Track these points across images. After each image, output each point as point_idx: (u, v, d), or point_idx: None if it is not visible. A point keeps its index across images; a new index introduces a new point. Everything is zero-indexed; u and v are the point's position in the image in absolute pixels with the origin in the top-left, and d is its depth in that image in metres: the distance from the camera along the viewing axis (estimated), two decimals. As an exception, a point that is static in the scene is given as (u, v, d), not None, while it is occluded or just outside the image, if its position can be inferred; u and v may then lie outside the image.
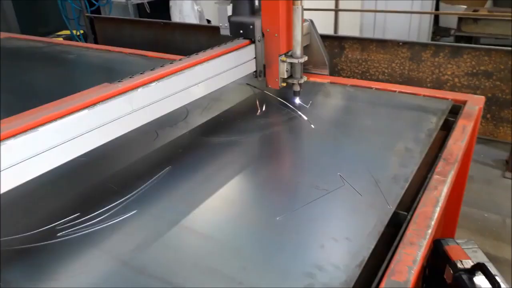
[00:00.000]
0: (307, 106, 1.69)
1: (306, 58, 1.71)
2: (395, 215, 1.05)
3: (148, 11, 5.27)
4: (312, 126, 1.52)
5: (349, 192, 1.13)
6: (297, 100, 1.73)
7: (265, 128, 1.56)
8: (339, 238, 0.97)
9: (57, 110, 1.05)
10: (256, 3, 1.73)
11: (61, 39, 4.31)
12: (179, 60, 1.49)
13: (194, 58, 1.51)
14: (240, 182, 1.25)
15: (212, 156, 1.41)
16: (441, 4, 4.93)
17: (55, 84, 2.30)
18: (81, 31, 4.47)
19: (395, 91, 1.78)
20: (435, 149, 1.37)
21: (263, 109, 1.70)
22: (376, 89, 1.82)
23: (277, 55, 1.69)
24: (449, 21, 5.24)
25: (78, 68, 2.64)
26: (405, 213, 1.06)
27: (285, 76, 1.72)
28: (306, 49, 1.77)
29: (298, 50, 1.67)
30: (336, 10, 4.36)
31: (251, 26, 1.70)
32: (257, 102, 1.75)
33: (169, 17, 5.55)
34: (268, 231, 1.01)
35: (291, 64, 1.71)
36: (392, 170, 1.23)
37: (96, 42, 3.68)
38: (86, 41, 4.27)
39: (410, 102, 1.69)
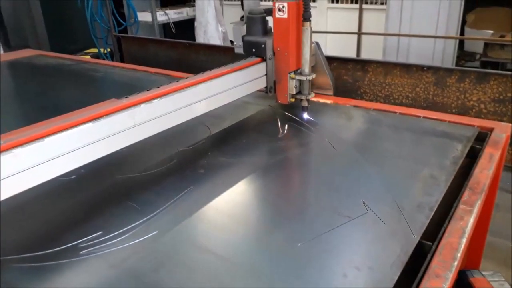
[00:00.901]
0: (317, 125, 1.70)
1: (314, 75, 1.82)
2: (419, 245, 1.02)
3: (174, 31, 5.40)
4: (335, 149, 1.51)
5: (372, 219, 1.11)
6: (305, 115, 1.82)
7: (287, 150, 1.56)
8: (362, 267, 0.95)
9: (63, 123, 1.13)
10: (270, 23, 1.84)
11: (89, 57, 4.44)
12: (186, 78, 1.56)
13: (200, 76, 1.59)
14: (261, 204, 1.24)
15: (233, 177, 1.41)
16: (467, 29, 4.89)
17: (83, 101, 2.35)
18: (108, 49, 4.61)
19: (419, 116, 1.76)
20: (460, 177, 1.34)
21: (285, 130, 1.70)
22: (400, 113, 1.81)
23: (287, 72, 1.80)
24: (475, 46, 5.18)
25: (104, 85, 2.71)
26: (430, 243, 1.03)
27: (294, 92, 1.82)
28: (312, 70, 1.85)
29: (306, 68, 1.78)
30: (359, 34, 4.37)
31: (263, 45, 1.81)
32: (279, 124, 1.76)
33: (193, 37, 5.67)
34: (289, 257, 1.00)
35: (300, 81, 1.81)
36: (416, 198, 1.20)
37: (122, 61, 3.78)
38: (112, 59, 4.39)
39: (434, 128, 1.67)
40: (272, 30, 1.80)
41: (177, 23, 5.64)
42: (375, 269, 0.94)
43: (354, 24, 4.67)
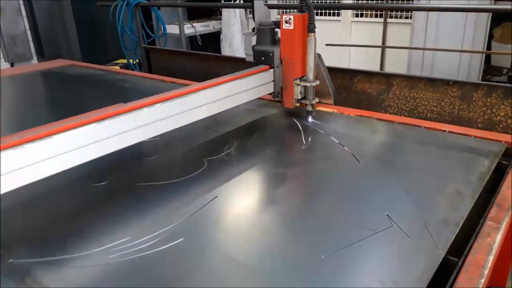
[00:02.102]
0: (341, 138, 1.70)
1: (318, 82, 1.95)
2: (445, 261, 1.02)
3: (200, 43, 5.50)
4: (359, 161, 1.52)
5: (397, 233, 1.11)
6: (310, 119, 1.97)
7: (311, 161, 1.57)
8: (386, 281, 0.95)
9: (71, 123, 1.25)
10: (279, 34, 1.98)
11: (118, 67, 4.58)
12: (189, 85, 1.70)
13: (215, 80, 1.75)
14: (285, 215, 1.26)
15: (258, 188, 1.44)
16: (494, 43, 4.81)
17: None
18: (137, 60, 4.74)
19: (445, 131, 1.75)
20: (487, 193, 1.32)
21: (309, 142, 1.72)
22: (425, 127, 1.80)
23: (293, 79, 1.95)
24: (502, 60, 5.08)
25: (133, 95, 2.78)
26: (456, 259, 1.02)
27: (299, 97, 1.98)
28: (314, 78, 2.02)
29: (311, 75, 1.92)
30: (384, 47, 4.36)
31: (271, 54, 1.97)
32: (303, 135, 1.77)
33: (219, 50, 5.76)
34: (313, 268, 1.01)
35: (305, 87, 1.96)
36: (441, 213, 1.20)
37: (150, 71, 3.87)
38: (140, 70, 4.51)
39: (460, 143, 1.65)
40: (280, 41, 1.94)
41: (203, 36, 5.75)
42: (399, 284, 0.94)
43: (378, 37, 4.66)
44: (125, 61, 4.95)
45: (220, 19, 5.93)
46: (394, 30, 4.66)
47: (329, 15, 5.24)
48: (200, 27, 5.79)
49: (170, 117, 1.53)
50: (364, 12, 4.93)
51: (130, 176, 1.47)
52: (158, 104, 1.49)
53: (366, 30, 4.95)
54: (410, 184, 1.37)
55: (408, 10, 4.25)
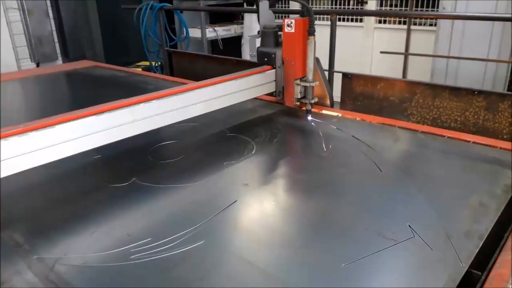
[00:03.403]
0: (363, 146, 1.70)
1: (317, 83, 2.06)
2: (468, 274, 0.99)
3: (221, 47, 5.54)
4: (381, 170, 1.50)
5: (418, 244, 1.09)
6: (309, 117, 2.07)
7: (331, 168, 1.56)
8: (407, 292, 0.94)
9: (72, 115, 1.38)
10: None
11: (140, 69, 4.64)
12: (187, 84, 1.85)
13: (221, 78, 1.90)
14: (305, 222, 1.25)
15: (277, 192, 1.43)
16: (521, 52, 4.69)
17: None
18: (159, 63, 4.79)
19: (469, 141, 1.72)
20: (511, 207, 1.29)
21: (330, 149, 1.71)
22: (448, 137, 1.77)
23: (293, 79, 2.07)
24: (529, 70, 4.96)
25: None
26: (479, 273, 1.00)
27: (299, 97, 2.10)
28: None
29: (310, 76, 2.04)
30: (406, 54, 4.31)
31: (273, 55, 2.09)
32: (323, 142, 1.77)
33: (240, 54, 5.79)
34: (332, 277, 1.00)
35: (305, 87, 2.08)
36: (464, 225, 1.17)
37: (172, 74, 3.92)
38: (162, 72, 4.56)
39: (485, 154, 1.62)
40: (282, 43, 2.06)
41: (224, 40, 5.78)
42: (420, 295, 0.93)
43: (401, 44, 4.61)
44: (147, 63, 5.02)
45: (242, 23, 5.96)
46: (418, 38, 4.60)
47: (352, 21, 5.21)
48: (221, 31, 5.83)
49: (168, 112, 1.65)
50: (387, 18, 4.89)
51: (152, 178, 1.48)
52: (154, 101, 1.61)
53: (389, 36, 4.90)
54: (433, 195, 1.35)
55: (433, 18, 4.19)
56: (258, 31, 2.15)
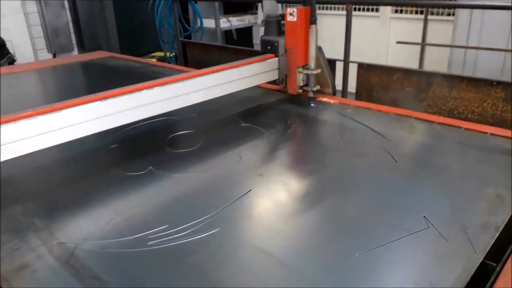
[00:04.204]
0: (379, 137, 1.70)
1: (319, 70, 2.11)
2: (482, 265, 0.99)
3: (235, 38, 5.53)
4: (396, 161, 1.50)
5: (433, 235, 1.09)
6: (312, 104, 2.12)
7: (347, 160, 1.56)
8: (421, 282, 0.94)
9: (78, 100, 1.47)
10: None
11: (155, 60, 4.67)
12: (191, 71, 1.93)
13: (225, 65, 1.96)
14: (320, 212, 1.25)
15: (292, 183, 1.44)
16: (541, 42, 4.58)
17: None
18: (174, 53, 4.82)
19: (486, 133, 1.69)
20: (530, 199, 1.27)
21: (345, 141, 1.70)
22: (465, 129, 1.75)
23: (296, 67, 2.11)
24: (550, 60, 4.83)
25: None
26: (494, 264, 1.00)
27: (301, 84, 2.16)
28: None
29: (312, 64, 2.11)
30: (423, 44, 4.24)
31: (276, 44, 2.15)
32: (339, 134, 1.76)
33: (253, 44, 5.78)
34: (346, 266, 1.01)
35: (307, 75, 2.14)
36: (480, 217, 1.16)
37: (186, 65, 3.93)
38: (176, 63, 4.59)
39: (503, 146, 1.60)
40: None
41: (238, 30, 5.77)
42: (435, 285, 0.93)
43: (418, 35, 4.53)
44: (161, 53, 5.05)
45: (256, 13, 5.94)
46: (435, 28, 4.52)
47: (367, 10, 5.14)
48: (235, 22, 5.81)
49: (171, 98, 1.72)
50: (404, 8, 4.81)
51: (168, 167, 1.51)
52: (157, 87, 1.67)
53: (406, 26, 4.83)
54: (448, 186, 1.34)
55: (451, 7, 4.11)
56: (262, 20, 2.19)
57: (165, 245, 1.08)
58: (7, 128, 1.30)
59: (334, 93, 2.22)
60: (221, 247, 1.08)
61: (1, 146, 1.29)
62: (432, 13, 4.52)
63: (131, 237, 1.11)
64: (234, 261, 1.04)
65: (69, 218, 1.23)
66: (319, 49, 2.13)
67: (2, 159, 1.30)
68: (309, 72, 2.10)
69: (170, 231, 1.13)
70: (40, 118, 1.37)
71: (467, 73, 3.93)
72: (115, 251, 1.07)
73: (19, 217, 1.23)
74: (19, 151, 1.34)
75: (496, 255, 1.04)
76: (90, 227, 1.18)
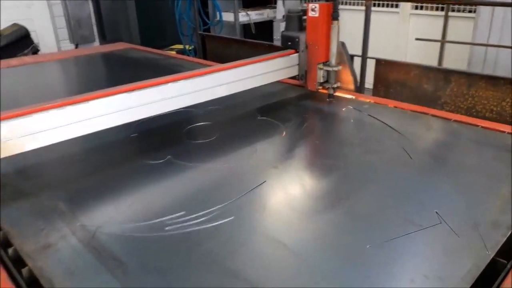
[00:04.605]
0: (395, 133, 1.70)
1: (340, 67, 2.09)
2: (493, 262, 1.00)
3: (254, 31, 5.54)
4: (411, 158, 1.51)
5: (445, 231, 1.10)
6: (329, 99, 2.11)
7: (362, 155, 1.58)
8: (431, 276, 0.96)
9: (105, 91, 1.51)
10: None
11: (174, 52, 4.72)
12: (214, 65, 1.95)
13: (246, 60, 1.97)
14: (332, 205, 1.27)
15: (306, 176, 1.47)
16: None
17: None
18: (192, 46, 4.87)
19: (504, 132, 1.69)
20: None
21: (362, 135, 1.72)
22: (482, 127, 1.74)
23: (316, 63, 2.09)
24: None
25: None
26: (505, 261, 1.01)
27: (321, 81, 2.13)
28: (337, 65, 2.12)
29: (333, 61, 2.08)
30: (443, 42, 4.19)
31: (297, 39, 2.12)
32: (356, 129, 1.78)
33: (272, 38, 5.78)
34: (357, 257, 1.03)
35: (327, 71, 2.11)
36: (493, 215, 1.17)
37: (205, 58, 3.97)
38: (195, 56, 4.63)
39: (520, 145, 1.59)
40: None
41: (257, 24, 5.78)
42: (444, 280, 0.94)
43: (438, 32, 4.47)
44: (180, 46, 5.10)
45: (275, 7, 5.93)
46: (455, 25, 4.45)
47: (387, 6, 5.09)
48: (254, 15, 5.81)
49: (194, 92, 1.75)
50: (424, 4, 4.74)
51: (186, 157, 1.55)
52: (181, 81, 1.70)
53: (426, 23, 4.77)
54: (463, 184, 1.35)
55: (472, 5, 4.04)
56: (283, 15, 2.18)
57: (181, 231, 1.12)
58: (38, 117, 1.35)
59: (356, 89, 2.20)
60: (234, 235, 1.12)
61: (32, 135, 1.34)
62: (453, 10, 4.45)
63: (149, 222, 1.16)
64: (247, 249, 1.07)
65: (91, 203, 1.28)
66: (342, 45, 2.12)
67: (33, 148, 1.35)
68: (329, 68, 2.08)
69: (187, 217, 1.17)
70: (69, 108, 1.41)
71: (487, 71, 3.87)
72: (134, 234, 1.12)
73: (45, 201, 1.28)
74: (48, 140, 1.38)
75: (508, 253, 1.05)
76: (111, 211, 1.23)
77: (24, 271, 1.00)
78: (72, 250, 1.06)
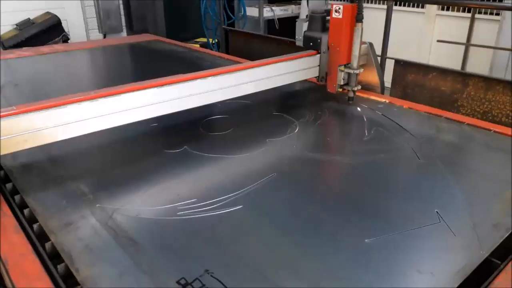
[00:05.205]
0: (405, 134, 1.74)
1: (362, 70, 2.05)
2: (487, 262, 1.04)
3: (277, 27, 5.57)
4: (419, 158, 1.54)
5: (443, 230, 1.14)
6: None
7: (370, 153, 1.61)
8: (424, 271, 1.00)
9: (136, 85, 1.55)
10: None
11: (198, 45, 4.81)
12: (239, 64, 1.99)
13: (267, 60, 1.96)
14: (337, 201, 1.33)
15: (315, 172, 1.52)
16: None
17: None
18: (216, 40, 4.94)
19: (516, 137, 1.69)
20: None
21: (371, 134, 1.75)
22: (495, 131, 1.75)
23: (337, 65, 2.06)
24: None
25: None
26: (499, 261, 1.04)
27: (342, 83, 2.09)
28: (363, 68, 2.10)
29: (355, 63, 2.03)
30: (466, 45, 4.13)
31: (319, 40, 2.10)
32: (365, 127, 1.81)
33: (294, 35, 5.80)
34: (355, 251, 1.08)
35: (348, 74, 2.07)
36: (494, 218, 1.20)
37: (227, 52, 4.04)
38: (218, 50, 4.71)
39: (531, 152, 1.60)
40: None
41: (281, 20, 5.81)
42: (436, 275, 0.99)
43: (463, 33, 4.41)
44: (204, 40, 5.19)
45: (299, 3, 5.94)
46: (482, 27, 4.37)
47: (412, 6, 5.03)
48: (279, 11, 5.84)
49: (220, 90, 1.78)
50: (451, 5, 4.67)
51: (201, 148, 1.63)
52: (210, 77, 1.74)
53: (451, 24, 4.70)
54: (468, 186, 1.38)
55: (498, 9, 3.97)
56: (306, 15, 2.17)
57: (192, 216, 1.20)
58: (71, 108, 1.40)
59: (382, 92, 2.15)
60: (242, 223, 1.19)
61: (63, 126, 1.39)
62: (480, 12, 4.38)
63: (163, 206, 1.24)
64: (253, 237, 1.14)
65: (110, 188, 1.37)
66: (370, 46, 2.08)
67: (66, 137, 1.41)
68: (350, 71, 2.04)
69: (198, 204, 1.24)
70: (101, 100, 1.45)
71: (509, 76, 3.81)
72: (148, 217, 1.20)
73: (70, 185, 1.38)
74: (80, 131, 1.43)
75: (505, 255, 1.08)
76: (128, 196, 1.32)
77: (47, 245, 1.09)
78: (90, 229, 1.15)
